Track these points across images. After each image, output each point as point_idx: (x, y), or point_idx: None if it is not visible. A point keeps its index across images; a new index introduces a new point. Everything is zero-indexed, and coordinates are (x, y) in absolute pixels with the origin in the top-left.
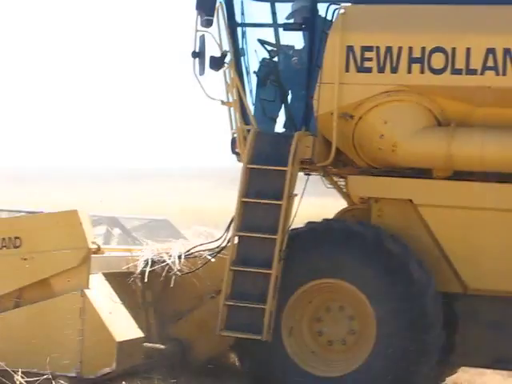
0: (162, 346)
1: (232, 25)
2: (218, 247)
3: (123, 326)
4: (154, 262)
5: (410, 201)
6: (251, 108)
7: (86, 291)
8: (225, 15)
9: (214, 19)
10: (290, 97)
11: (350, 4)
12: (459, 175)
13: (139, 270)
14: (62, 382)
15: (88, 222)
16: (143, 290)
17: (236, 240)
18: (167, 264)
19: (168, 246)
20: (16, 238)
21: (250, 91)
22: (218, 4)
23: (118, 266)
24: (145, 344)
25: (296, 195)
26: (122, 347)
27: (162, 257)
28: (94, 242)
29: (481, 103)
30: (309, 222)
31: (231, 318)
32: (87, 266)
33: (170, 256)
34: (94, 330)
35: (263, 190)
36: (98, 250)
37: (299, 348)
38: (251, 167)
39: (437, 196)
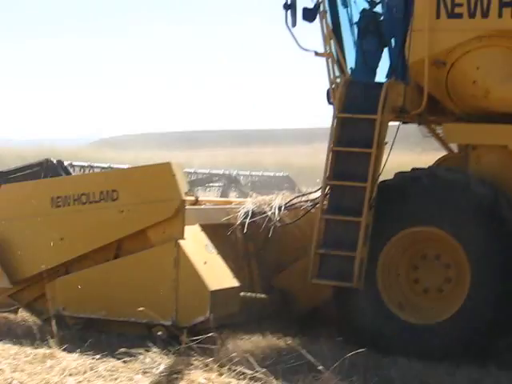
0: (263, 296)
1: None
2: (318, 198)
3: (218, 275)
4: (254, 214)
5: (505, 147)
6: (347, 58)
7: (181, 241)
8: None
9: None
10: (389, 47)
11: None
12: None
13: (239, 221)
14: (159, 330)
15: (181, 174)
16: (245, 241)
17: (327, 189)
18: (267, 215)
19: (270, 198)
20: (113, 191)
21: (347, 41)
22: None
23: (217, 218)
24: (243, 294)
25: (386, 143)
26: (216, 296)
27: (262, 208)
28: (191, 194)
29: None
30: (399, 172)
31: (323, 267)
32: (181, 217)
33: (271, 207)
34: (188, 279)
35: (354, 139)
36: (196, 202)
37: (395, 296)
38: (342, 116)
39: None
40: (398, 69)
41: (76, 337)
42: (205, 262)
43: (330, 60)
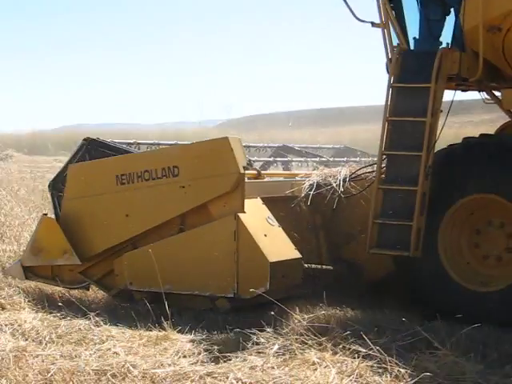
0: (330, 267)
1: None
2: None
3: (279, 247)
4: (319, 186)
5: None
6: (408, 28)
7: (240, 214)
8: None
9: None
10: (450, 15)
11: None
12: None
13: (303, 193)
14: (222, 303)
15: (240, 148)
16: (312, 213)
17: (383, 159)
18: (332, 187)
19: (337, 170)
20: (174, 167)
21: (407, 11)
22: None
23: (280, 191)
24: (308, 265)
25: (441, 111)
26: (276, 268)
27: (328, 180)
28: (254, 168)
29: None
30: (465, 138)
31: (380, 236)
32: (241, 191)
33: (336, 179)
34: (247, 251)
35: (408, 108)
36: (259, 176)
37: (455, 260)
38: (396, 86)
39: None
40: (455, 36)
41: (191, 316)
42: (265, 235)
43: (386, 31)
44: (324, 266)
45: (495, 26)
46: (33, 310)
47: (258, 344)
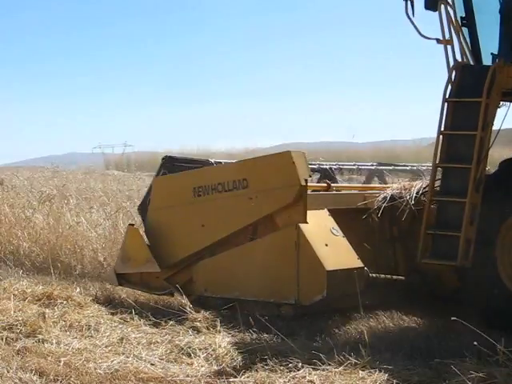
0: (401, 278)
1: None
2: None
3: (340, 256)
4: (393, 199)
5: None
6: (481, 44)
7: (301, 225)
8: None
9: None
10: None
11: None
12: None
13: (376, 205)
14: (286, 309)
15: (303, 162)
16: (390, 225)
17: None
18: (404, 200)
19: (412, 184)
20: (244, 179)
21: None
22: None
23: (352, 203)
24: (378, 276)
25: (492, 126)
26: (334, 276)
27: (402, 193)
28: (324, 181)
29: None
30: None
31: (432, 247)
32: (303, 202)
33: (410, 192)
34: (307, 260)
35: (462, 122)
36: (328, 188)
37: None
38: (451, 100)
39: None
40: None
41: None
42: (326, 244)
43: (449, 47)
44: (394, 277)
45: None
46: (229, 333)
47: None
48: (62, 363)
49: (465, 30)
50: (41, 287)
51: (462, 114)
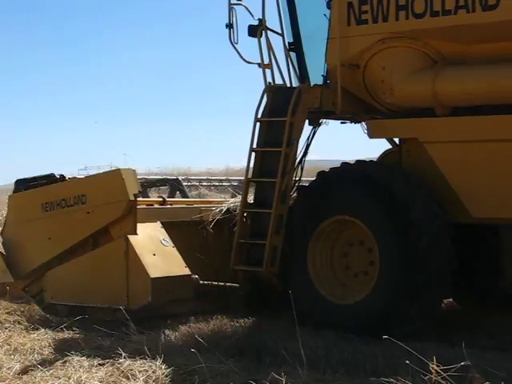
0: (235, 285)
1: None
2: None
3: (167, 264)
4: (228, 212)
5: (416, 139)
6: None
7: (130, 236)
8: None
9: None
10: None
11: None
12: (462, 112)
13: (211, 218)
14: (121, 314)
15: (132, 178)
16: (228, 236)
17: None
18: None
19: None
20: (83, 195)
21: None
22: None
23: (187, 216)
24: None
25: (297, 142)
26: (158, 283)
27: (237, 206)
28: (159, 195)
29: (469, 41)
30: (332, 168)
31: (246, 255)
32: (133, 216)
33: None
34: (134, 268)
35: (272, 140)
36: (164, 202)
37: (329, 282)
38: (260, 119)
39: (437, 132)
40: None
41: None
42: (154, 254)
43: (267, 71)
44: (228, 284)
45: (354, 64)
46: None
47: None
48: None
49: (293, 54)
50: None
51: (271, 133)
